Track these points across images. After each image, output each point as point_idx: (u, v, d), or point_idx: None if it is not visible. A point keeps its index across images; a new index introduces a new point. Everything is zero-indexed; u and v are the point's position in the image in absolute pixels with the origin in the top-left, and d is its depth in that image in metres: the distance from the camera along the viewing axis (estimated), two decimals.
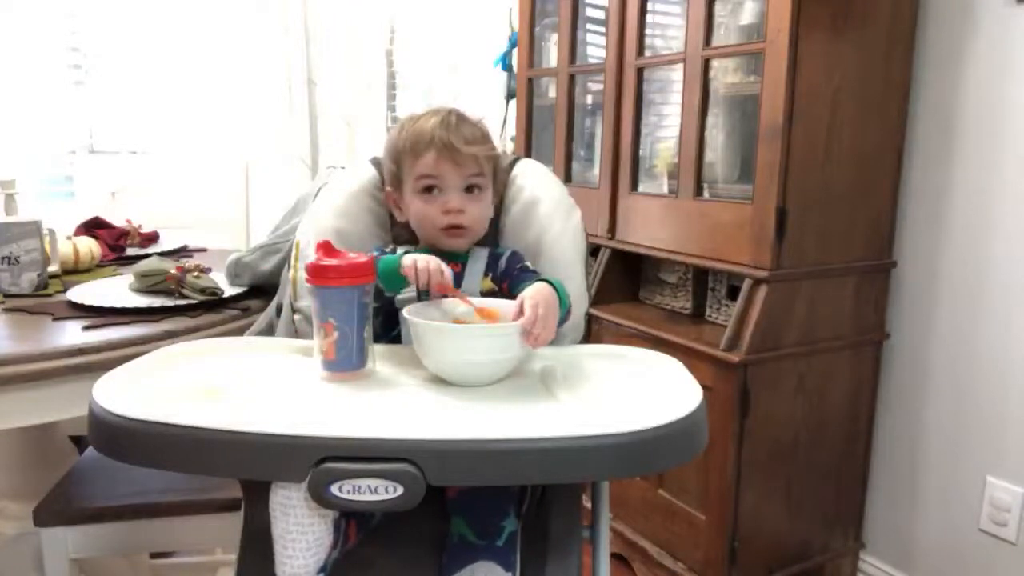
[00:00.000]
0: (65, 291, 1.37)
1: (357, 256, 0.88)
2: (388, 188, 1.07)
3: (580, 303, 1.08)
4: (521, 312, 0.86)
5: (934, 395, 1.73)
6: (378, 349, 0.95)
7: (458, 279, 1.01)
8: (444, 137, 0.99)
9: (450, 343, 0.85)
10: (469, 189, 1.02)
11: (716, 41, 1.68)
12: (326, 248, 0.87)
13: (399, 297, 0.97)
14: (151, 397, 0.78)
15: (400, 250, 1.04)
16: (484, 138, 1.03)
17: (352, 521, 0.90)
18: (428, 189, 1.01)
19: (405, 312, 0.88)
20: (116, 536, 1.31)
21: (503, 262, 1.04)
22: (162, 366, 0.90)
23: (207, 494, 1.31)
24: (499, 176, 1.09)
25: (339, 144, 2.91)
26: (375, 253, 1.03)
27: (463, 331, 0.86)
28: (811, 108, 1.52)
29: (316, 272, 0.85)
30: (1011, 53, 1.53)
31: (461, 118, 1.03)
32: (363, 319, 0.86)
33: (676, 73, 1.80)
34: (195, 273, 1.36)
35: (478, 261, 1.04)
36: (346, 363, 0.87)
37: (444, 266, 0.91)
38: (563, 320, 0.97)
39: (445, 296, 0.93)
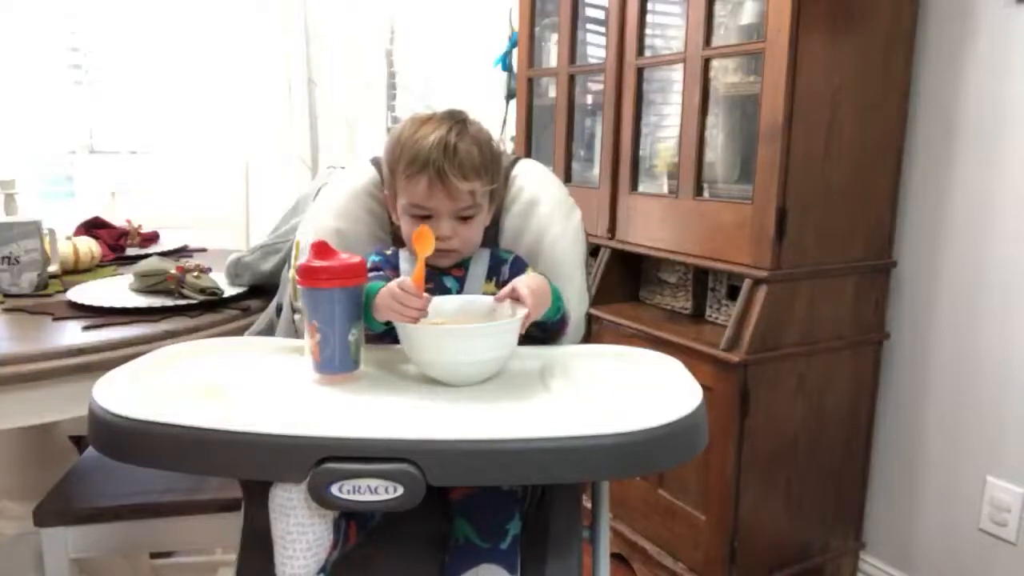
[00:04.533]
0: (65, 291, 1.37)
1: (349, 257, 0.86)
2: (386, 192, 1.06)
3: (580, 303, 1.08)
4: (510, 296, 0.87)
5: (934, 395, 1.73)
6: (378, 349, 0.95)
7: (460, 283, 1.01)
8: (439, 165, 0.94)
9: (431, 343, 0.85)
10: (462, 216, 0.99)
11: (716, 41, 1.68)
12: (318, 248, 0.86)
13: None
14: (151, 397, 0.78)
15: (403, 261, 1.04)
16: (483, 164, 0.97)
17: (352, 522, 0.90)
18: (418, 215, 0.98)
19: None
20: (116, 536, 1.31)
21: (507, 269, 1.04)
22: (162, 366, 0.90)
23: (207, 494, 1.31)
24: (497, 192, 1.06)
25: (339, 144, 2.91)
26: (374, 257, 1.03)
27: (446, 332, 0.86)
28: (811, 108, 1.52)
29: (302, 272, 0.84)
30: (1011, 53, 1.53)
31: (462, 135, 0.97)
32: (347, 322, 0.84)
33: (676, 73, 1.80)
34: (195, 273, 1.36)
35: (480, 264, 1.04)
36: (328, 365, 0.86)
37: (414, 296, 0.85)
38: (558, 325, 0.98)
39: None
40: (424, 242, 0.93)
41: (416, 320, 0.85)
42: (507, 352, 0.87)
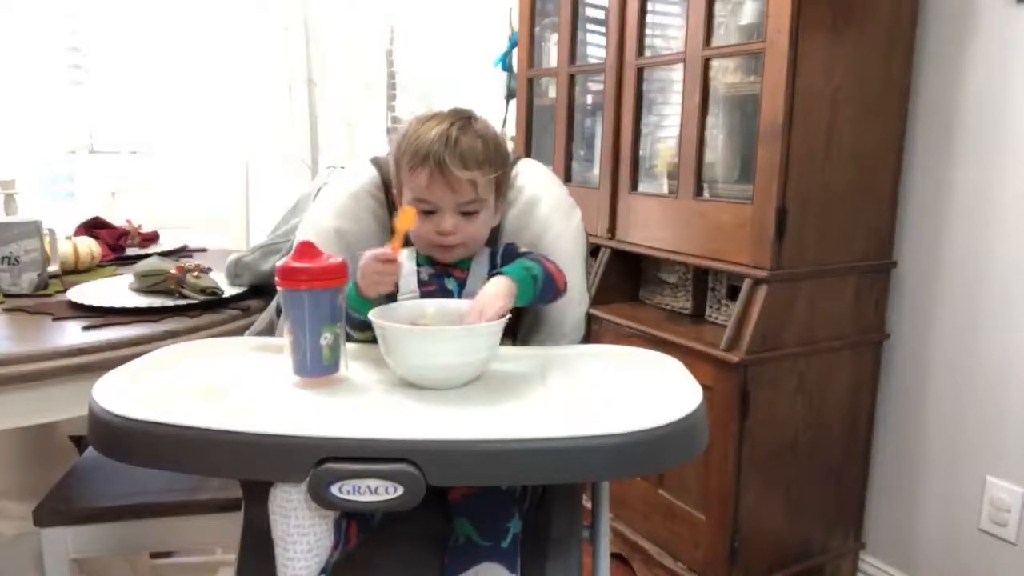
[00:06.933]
0: (65, 291, 1.36)
1: (328, 258, 0.84)
2: (395, 191, 1.06)
3: (580, 303, 1.08)
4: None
5: (934, 395, 1.73)
6: (377, 349, 0.95)
7: (462, 286, 1.02)
8: (440, 157, 0.94)
9: (404, 346, 0.84)
10: (465, 211, 0.99)
11: (716, 41, 1.68)
12: (302, 249, 0.84)
13: (401, 296, 0.97)
14: (151, 397, 0.78)
15: (405, 259, 1.03)
16: (486, 157, 0.97)
17: (353, 522, 0.90)
18: (422, 210, 0.98)
19: (370, 314, 0.86)
20: (116, 536, 1.31)
21: (499, 259, 1.04)
22: (162, 366, 0.90)
23: (207, 494, 1.31)
24: (503, 190, 1.06)
25: (339, 144, 2.92)
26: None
27: (414, 334, 0.84)
28: (811, 108, 1.52)
29: (278, 273, 0.83)
30: (1011, 53, 1.53)
31: (465, 129, 0.97)
32: (317, 325, 0.83)
33: (676, 73, 1.80)
34: (195, 273, 1.36)
35: (481, 265, 1.04)
36: (300, 368, 0.85)
37: (385, 259, 0.88)
38: (549, 295, 0.97)
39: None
40: (405, 218, 0.92)
41: (392, 285, 0.89)
42: (483, 357, 0.85)
